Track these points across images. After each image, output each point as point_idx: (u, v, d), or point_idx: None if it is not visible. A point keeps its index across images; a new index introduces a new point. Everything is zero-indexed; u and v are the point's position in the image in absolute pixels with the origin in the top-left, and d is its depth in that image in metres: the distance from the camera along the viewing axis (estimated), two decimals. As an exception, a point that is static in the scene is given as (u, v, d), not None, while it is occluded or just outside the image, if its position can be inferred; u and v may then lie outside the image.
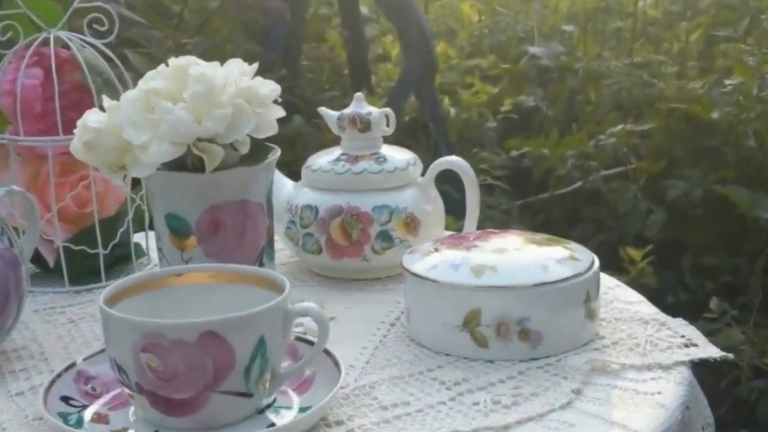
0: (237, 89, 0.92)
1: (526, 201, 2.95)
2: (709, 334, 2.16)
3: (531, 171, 2.95)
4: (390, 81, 3.30)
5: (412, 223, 1.10)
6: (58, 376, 0.83)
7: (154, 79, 0.93)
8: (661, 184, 2.73)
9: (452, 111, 3.15)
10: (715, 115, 2.73)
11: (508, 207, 2.85)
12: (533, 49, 3.24)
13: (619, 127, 2.86)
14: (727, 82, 2.79)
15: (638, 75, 3.04)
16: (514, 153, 2.93)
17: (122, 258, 1.16)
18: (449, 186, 1.35)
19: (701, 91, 2.82)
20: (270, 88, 0.95)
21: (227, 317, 0.74)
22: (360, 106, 1.14)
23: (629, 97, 3.03)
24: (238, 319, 0.74)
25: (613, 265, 2.45)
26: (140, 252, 1.19)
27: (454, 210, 1.28)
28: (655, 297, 1.04)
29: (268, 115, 0.95)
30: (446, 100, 3.20)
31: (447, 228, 1.18)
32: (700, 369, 0.89)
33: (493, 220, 2.66)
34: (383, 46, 3.56)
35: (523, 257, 0.93)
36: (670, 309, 0.99)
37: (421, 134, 2.97)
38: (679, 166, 2.78)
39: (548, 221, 2.88)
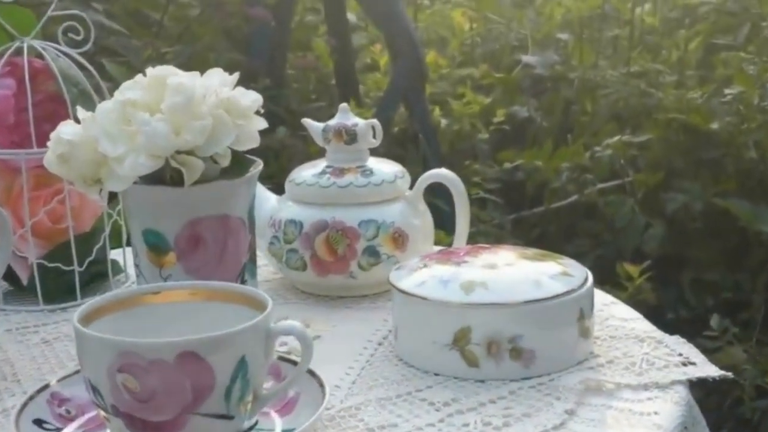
0: (217, 100, 0.92)
1: (519, 215, 2.96)
2: (710, 353, 2.17)
3: (525, 184, 2.96)
4: (378, 91, 3.31)
5: (399, 238, 1.10)
6: (31, 398, 0.83)
7: (131, 90, 0.93)
8: (660, 197, 2.74)
9: (443, 122, 3.16)
10: (714, 125, 2.74)
11: (501, 221, 2.85)
12: (527, 58, 3.25)
13: (616, 138, 2.87)
14: (727, 91, 2.80)
15: (635, 84, 3.05)
16: (507, 165, 2.94)
17: (98, 275, 1.16)
18: (440, 199, 1.36)
19: (700, 101, 2.84)
20: (251, 98, 0.95)
21: (207, 336, 0.73)
22: (345, 117, 1.14)
23: (626, 107, 3.05)
24: (218, 339, 0.74)
25: (610, 281, 2.45)
26: (117, 269, 1.18)
27: (445, 224, 1.29)
28: (654, 314, 1.04)
29: (249, 127, 0.95)
30: (437, 111, 3.21)
31: (438, 243, 1.18)
32: (702, 388, 0.89)
33: (486, 235, 2.67)
34: (371, 55, 3.57)
35: (514, 273, 0.93)
36: (670, 326, 0.99)
37: (410, 145, 2.98)
38: (678, 178, 2.79)
39: (543, 236, 2.89)
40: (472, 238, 1.15)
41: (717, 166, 2.78)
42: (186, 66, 0.98)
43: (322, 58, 3.31)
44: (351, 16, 3.45)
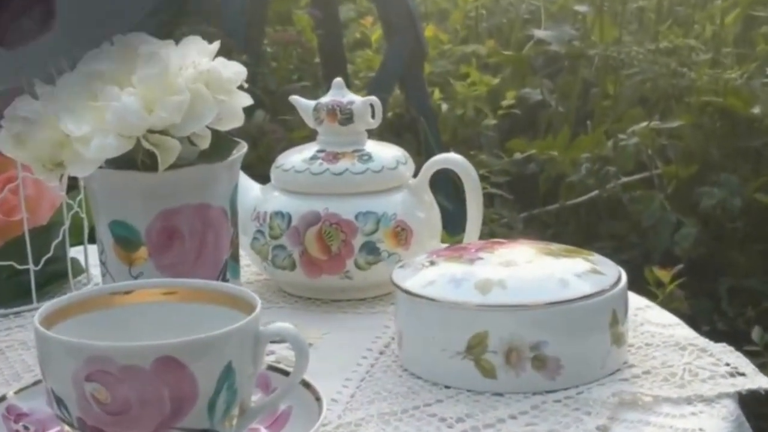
0: (195, 72, 0.92)
1: (532, 213, 2.96)
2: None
3: (538, 177, 2.96)
4: (370, 71, 3.31)
5: (402, 233, 1.10)
6: (-16, 413, 0.83)
7: (97, 60, 0.93)
8: (693, 192, 2.74)
9: (444, 106, 3.16)
10: (756, 110, 2.75)
11: (510, 220, 2.85)
12: (540, 33, 3.25)
13: (643, 125, 2.87)
14: (769, 71, 2.81)
15: (664, 63, 3.05)
16: (517, 156, 2.94)
17: (56, 276, 1.16)
18: (440, 194, 1.35)
19: (739, 82, 2.84)
20: (234, 70, 0.96)
21: (188, 340, 0.74)
22: (340, 93, 1.14)
23: (654, 89, 3.05)
24: (201, 342, 0.74)
25: (637, 287, 2.45)
26: (78, 268, 1.19)
27: (447, 223, 1.28)
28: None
29: (232, 103, 0.95)
30: (437, 93, 3.21)
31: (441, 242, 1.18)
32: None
33: (494, 236, 2.67)
34: (361, 30, 3.57)
35: (536, 271, 0.93)
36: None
37: (407, 133, 2.98)
38: (713, 170, 2.79)
39: (559, 236, 2.89)
40: (479, 238, 1.15)
41: (759, 157, 2.79)
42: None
43: (304, 32, 3.31)
44: (338, -15, 3.46)
